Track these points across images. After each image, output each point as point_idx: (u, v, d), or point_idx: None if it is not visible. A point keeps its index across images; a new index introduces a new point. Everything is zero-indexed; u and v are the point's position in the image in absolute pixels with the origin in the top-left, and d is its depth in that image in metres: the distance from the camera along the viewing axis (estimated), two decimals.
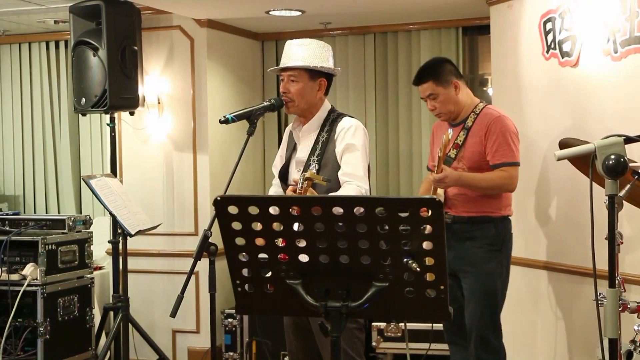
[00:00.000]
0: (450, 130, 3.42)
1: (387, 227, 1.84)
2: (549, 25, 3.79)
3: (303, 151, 3.14)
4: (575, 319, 3.71)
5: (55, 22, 5.30)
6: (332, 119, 3.13)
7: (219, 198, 1.90)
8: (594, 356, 3.36)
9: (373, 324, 4.69)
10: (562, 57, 3.70)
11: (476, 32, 5.28)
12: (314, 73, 3.10)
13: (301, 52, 3.09)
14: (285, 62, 3.12)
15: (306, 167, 3.07)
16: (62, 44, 5.76)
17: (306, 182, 2.85)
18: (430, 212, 1.81)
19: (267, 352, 4.76)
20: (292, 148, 3.23)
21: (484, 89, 5.46)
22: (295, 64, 3.08)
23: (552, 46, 3.77)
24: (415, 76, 3.60)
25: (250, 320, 4.86)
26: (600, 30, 3.44)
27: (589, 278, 3.42)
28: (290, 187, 3.03)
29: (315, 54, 3.10)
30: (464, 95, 3.54)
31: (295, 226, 1.91)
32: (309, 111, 3.15)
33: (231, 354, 4.94)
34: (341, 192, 2.94)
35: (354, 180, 2.97)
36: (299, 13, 4.83)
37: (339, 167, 3.03)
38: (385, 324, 4.68)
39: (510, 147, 3.41)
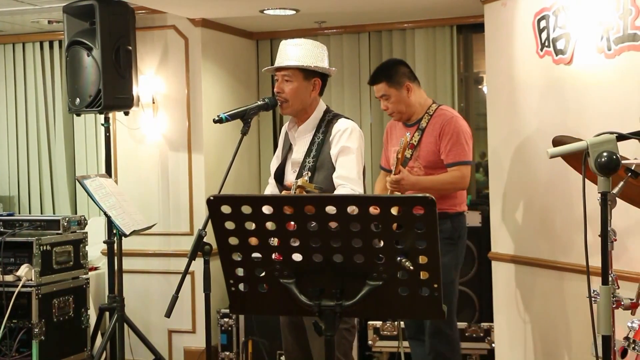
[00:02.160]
0: (407, 134, 3.54)
1: (380, 226, 1.84)
2: (542, 23, 3.79)
3: (299, 152, 3.13)
4: (570, 316, 3.72)
5: (49, 22, 5.29)
6: (328, 120, 3.12)
7: (212, 198, 1.90)
8: (589, 353, 3.36)
9: (369, 322, 4.69)
10: (556, 55, 3.70)
11: (471, 30, 5.28)
12: (308, 73, 3.10)
13: (296, 52, 3.09)
14: (279, 61, 3.12)
15: (301, 169, 3.06)
16: (56, 44, 5.75)
17: (297, 189, 2.81)
18: (423, 210, 1.81)
19: (264, 351, 4.76)
20: (288, 148, 3.22)
21: (479, 87, 5.46)
22: (290, 63, 3.07)
23: (546, 44, 3.77)
24: (370, 76, 3.84)
25: (247, 320, 4.86)
26: (593, 28, 3.45)
27: (583, 275, 3.43)
28: (283, 192, 3.03)
29: (310, 54, 3.10)
30: (417, 97, 3.75)
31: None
32: (304, 112, 3.14)
33: (227, 353, 4.94)
34: None
35: (347, 183, 2.96)
36: (294, 12, 4.82)
37: (334, 169, 3.03)
38: (381, 322, 4.68)
39: (463, 147, 3.62)
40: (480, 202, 4.98)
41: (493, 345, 4.45)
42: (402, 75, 3.72)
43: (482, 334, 4.56)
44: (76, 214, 5.64)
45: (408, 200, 1.85)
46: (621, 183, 2.39)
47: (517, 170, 4.07)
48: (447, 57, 5.20)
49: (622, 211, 2.21)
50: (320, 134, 3.09)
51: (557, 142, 2.80)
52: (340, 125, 3.07)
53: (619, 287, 2.38)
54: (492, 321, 4.41)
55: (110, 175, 4.60)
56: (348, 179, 2.97)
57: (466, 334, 4.55)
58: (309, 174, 2.96)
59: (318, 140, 3.08)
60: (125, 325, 4.38)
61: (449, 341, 3.68)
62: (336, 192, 2.95)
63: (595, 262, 2.18)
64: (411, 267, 1.86)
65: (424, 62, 5.18)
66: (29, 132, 5.81)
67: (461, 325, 4.51)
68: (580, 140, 2.18)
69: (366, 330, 4.69)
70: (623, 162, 2.12)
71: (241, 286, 2.00)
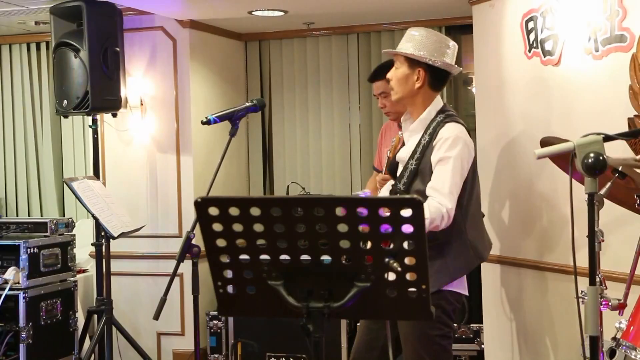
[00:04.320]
0: (400, 133, 3.50)
1: (369, 227, 1.84)
2: (530, 24, 3.80)
3: (405, 151, 3.00)
4: (559, 316, 3.73)
5: (36, 23, 5.26)
6: (438, 122, 2.94)
7: (199, 199, 1.89)
8: (577, 353, 3.37)
9: (358, 324, 4.68)
10: (544, 56, 3.72)
11: (459, 31, 5.29)
12: (413, 61, 2.96)
13: (410, 39, 2.97)
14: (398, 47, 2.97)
15: (404, 170, 2.95)
16: (43, 46, 5.72)
17: None
18: (410, 211, 1.81)
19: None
20: (402, 143, 3.09)
21: (468, 88, 5.48)
22: (398, 49, 2.94)
23: (534, 45, 3.79)
24: (371, 73, 3.84)
25: (236, 322, 4.84)
26: (581, 29, 3.46)
27: (570, 275, 3.44)
28: None
29: (423, 43, 2.96)
30: None
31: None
32: (412, 105, 3.01)
33: (216, 356, 4.92)
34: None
35: (437, 196, 2.79)
36: (282, 13, 4.82)
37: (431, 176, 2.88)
38: None
39: None
40: None
41: (482, 346, 4.46)
42: None
43: (471, 335, 4.57)
44: (64, 216, 5.62)
45: (396, 202, 1.85)
46: (608, 184, 2.40)
47: (505, 171, 4.08)
48: None
49: (603, 208, 2.22)
50: (427, 135, 2.91)
51: (544, 142, 2.81)
52: (446, 131, 2.88)
53: (606, 288, 2.39)
54: (481, 322, 4.42)
55: (98, 177, 4.58)
56: (439, 191, 2.80)
57: (456, 336, 4.56)
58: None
59: (424, 142, 2.91)
60: (114, 328, 4.36)
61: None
62: (426, 204, 2.69)
63: (581, 261, 2.19)
64: (399, 268, 1.86)
65: None
66: (16, 134, 5.78)
67: None
68: (568, 141, 2.18)
69: (356, 331, 4.67)
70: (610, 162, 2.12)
71: (229, 288, 1.99)
